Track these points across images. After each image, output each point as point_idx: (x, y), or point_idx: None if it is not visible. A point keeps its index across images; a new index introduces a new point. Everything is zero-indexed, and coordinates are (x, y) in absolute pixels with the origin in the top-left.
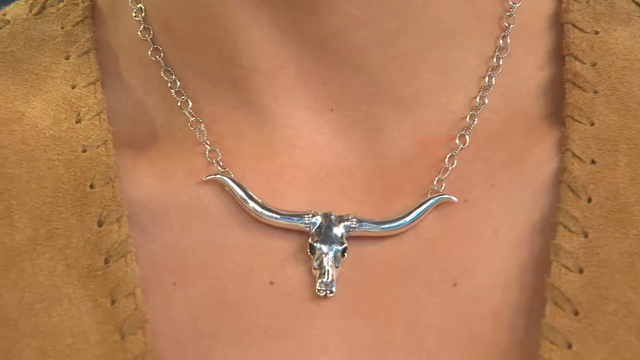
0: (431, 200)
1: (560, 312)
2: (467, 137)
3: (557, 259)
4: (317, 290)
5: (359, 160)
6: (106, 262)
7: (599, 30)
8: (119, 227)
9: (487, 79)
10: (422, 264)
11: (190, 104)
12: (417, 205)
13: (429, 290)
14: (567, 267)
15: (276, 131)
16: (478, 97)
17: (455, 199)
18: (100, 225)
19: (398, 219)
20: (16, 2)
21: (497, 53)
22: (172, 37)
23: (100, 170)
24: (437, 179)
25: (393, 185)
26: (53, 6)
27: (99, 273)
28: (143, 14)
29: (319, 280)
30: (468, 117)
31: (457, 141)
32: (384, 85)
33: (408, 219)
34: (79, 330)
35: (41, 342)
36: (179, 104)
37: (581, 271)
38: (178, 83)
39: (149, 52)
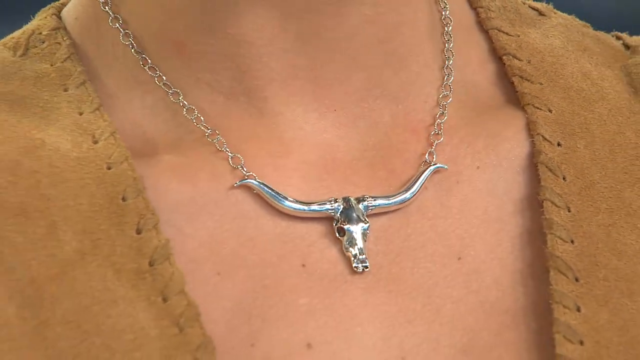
0: (427, 170)
1: (564, 278)
2: (445, 116)
3: (552, 232)
4: (354, 267)
5: (360, 153)
6: (151, 264)
7: (518, 33)
8: (157, 233)
9: (447, 71)
10: (427, 241)
11: (203, 118)
12: (417, 176)
13: (438, 264)
14: (561, 238)
15: (288, 133)
16: (446, 87)
17: (445, 166)
18: (139, 233)
19: (404, 191)
20: None
21: (446, 46)
22: (182, 57)
23: (129, 183)
24: (427, 152)
25: (392, 171)
26: (36, 47)
27: (147, 275)
28: (132, 42)
29: (355, 258)
30: (444, 101)
31: (436, 128)
32: (380, 81)
33: (412, 189)
34: (138, 326)
35: (105, 339)
36: (193, 120)
37: (572, 242)
38: (186, 101)
39: (155, 77)
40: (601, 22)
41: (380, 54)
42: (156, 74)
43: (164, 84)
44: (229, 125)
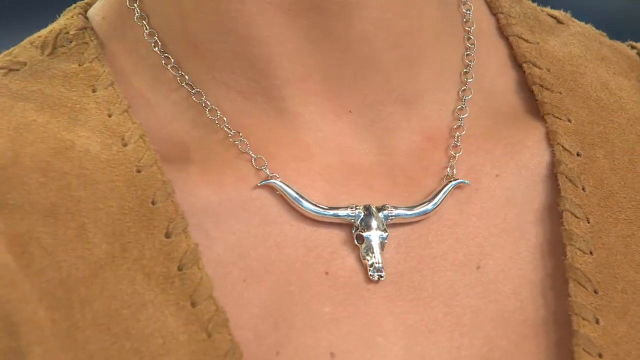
0: (449, 185)
1: (583, 290)
2: (464, 129)
3: (572, 243)
4: (370, 276)
5: (378, 157)
6: (180, 269)
7: (538, 41)
8: (186, 237)
9: (466, 78)
10: (447, 249)
11: (226, 119)
12: (438, 189)
13: (458, 273)
14: (581, 250)
15: (308, 135)
16: (463, 94)
17: (468, 182)
18: (168, 237)
19: (425, 203)
20: (20, 45)
21: (466, 52)
22: (200, 57)
23: (158, 187)
24: (449, 165)
25: (412, 178)
26: (63, 46)
27: (176, 280)
28: (156, 41)
29: (371, 267)
30: (460, 113)
31: (456, 134)
32: (395, 85)
33: (434, 202)
34: (167, 331)
35: (134, 343)
36: (215, 120)
37: (591, 253)
38: (209, 102)
39: (177, 77)
40: (604, 24)
41: (393, 58)
42: (179, 73)
43: (186, 83)
44: (249, 125)
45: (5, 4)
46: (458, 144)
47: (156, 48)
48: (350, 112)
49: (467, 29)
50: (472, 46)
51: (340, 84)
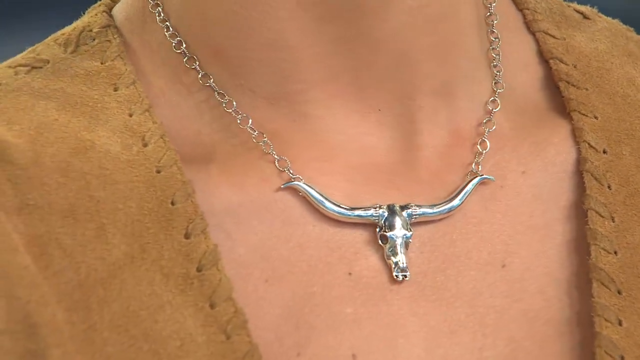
0: (473, 181)
1: (606, 291)
2: (494, 125)
3: (596, 242)
4: (394, 276)
5: (403, 155)
6: (199, 270)
7: (565, 36)
8: (205, 238)
9: (496, 71)
10: (472, 248)
11: (250, 120)
12: (462, 186)
13: (482, 272)
14: (605, 250)
15: (330, 137)
16: (495, 87)
17: (492, 178)
18: (187, 238)
19: (449, 201)
20: (44, 42)
21: (491, 47)
22: (224, 64)
23: (178, 187)
24: (474, 161)
25: (436, 174)
26: (86, 44)
27: (195, 281)
28: (179, 43)
29: (395, 267)
30: (492, 106)
31: (486, 130)
32: (424, 76)
33: (458, 199)
34: (185, 333)
35: (152, 345)
36: (238, 121)
37: (616, 253)
38: (234, 103)
39: (199, 79)
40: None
41: (427, 46)
42: (200, 74)
43: (209, 85)
44: (272, 129)
45: (5, 4)
46: (485, 140)
47: (179, 50)
48: (379, 110)
49: (489, 22)
50: (497, 40)
51: (370, 81)
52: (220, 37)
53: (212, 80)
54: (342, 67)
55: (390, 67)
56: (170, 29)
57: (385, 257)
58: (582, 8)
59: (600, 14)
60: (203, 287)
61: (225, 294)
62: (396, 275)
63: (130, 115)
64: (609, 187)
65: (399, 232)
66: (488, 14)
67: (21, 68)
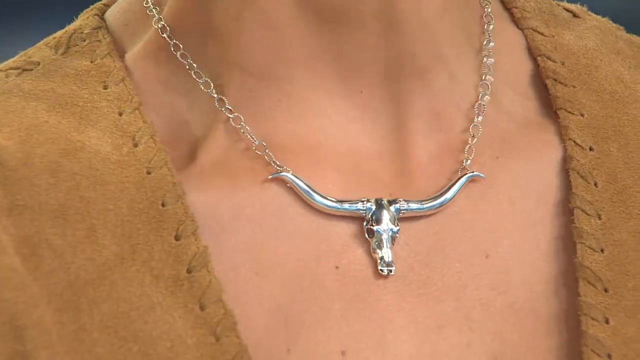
0: (463, 178)
1: (592, 289)
2: (480, 116)
3: (582, 241)
4: (379, 270)
5: (387, 143)
6: (189, 271)
7: (553, 34)
8: (195, 240)
9: (484, 69)
10: (456, 240)
11: (243, 118)
12: (452, 182)
13: (467, 264)
14: (591, 248)
15: (314, 121)
16: (483, 86)
17: (483, 175)
18: (177, 239)
19: (439, 197)
20: (36, 46)
21: (485, 45)
22: (216, 44)
23: (168, 189)
24: (465, 157)
25: (419, 165)
26: (77, 45)
27: (185, 282)
28: (163, 26)
29: (381, 261)
30: (477, 104)
31: (476, 120)
32: (410, 56)
33: (448, 196)
34: (175, 334)
35: (142, 346)
36: (231, 119)
37: (602, 251)
38: (225, 99)
39: (192, 74)
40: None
41: (411, 27)
42: (187, 61)
43: (194, 72)
44: (259, 115)
45: (5, 4)
46: (474, 135)
47: (164, 34)
48: (361, 92)
49: (486, 21)
50: (489, 41)
51: (354, 64)
52: (212, 16)
53: (196, 66)
54: (325, 47)
55: (374, 48)
56: (159, 19)
57: (372, 250)
58: (571, 6)
59: (589, 13)
60: (193, 288)
61: (215, 296)
62: (381, 270)
63: (120, 115)
64: (595, 184)
65: (385, 226)
66: (485, 14)
67: (12, 71)
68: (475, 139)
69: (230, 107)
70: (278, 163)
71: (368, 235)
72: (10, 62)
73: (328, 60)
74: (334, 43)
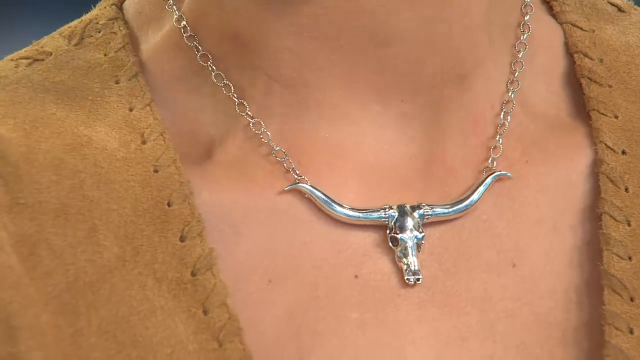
0: (489, 178)
1: (618, 298)
2: (509, 116)
3: (609, 248)
4: (406, 280)
5: (420, 147)
6: (193, 274)
7: (594, 28)
8: (201, 241)
9: (516, 66)
10: (483, 248)
11: (263, 123)
12: (479, 183)
13: (493, 273)
14: (618, 255)
15: (345, 129)
16: (513, 83)
17: (509, 174)
18: (182, 241)
19: (465, 199)
20: (50, 35)
21: (521, 39)
22: (240, 52)
23: (175, 188)
24: (490, 159)
25: (450, 169)
26: (91, 36)
27: (188, 285)
28: (188, 32)
29: (407, 270)
30: (511, 94)
31: (503, 120)
32: (453, 62)
33: (475, 197)
34: (176, 340)
35: (141, 352)
36: (251, 124)
37: (630, 258)
38: (245, 104)
39: (213, 76)
40: None
41: (460, 29)
42: (207, 63)
43: (214, 75)
44: (280, 122)
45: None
46: (501, 132)
47: (185, 34)
48: (402, 101)
49: (524, 12)
50: (524, 33)
51: (396, 73)
52: (239, 24)
53: (216, 69)
54: (366, 61)
55: (418, 61)
56: (181, 17)
57: (397, 259)
58: (618, 1)
59: (637, 7)
60: (197, 292)
61: (219, 300)
62: (408, 279)
63: (131, 110)
64: (626, 189)
65: (409, 233)
66: (523, 4)
67: (22, 61)
68: (503, 140)
69: (250, 113)
70: (297, 172)
71: (392, 244)
72: (22, 51)
73: (368, 72)
74: (375, 58)
